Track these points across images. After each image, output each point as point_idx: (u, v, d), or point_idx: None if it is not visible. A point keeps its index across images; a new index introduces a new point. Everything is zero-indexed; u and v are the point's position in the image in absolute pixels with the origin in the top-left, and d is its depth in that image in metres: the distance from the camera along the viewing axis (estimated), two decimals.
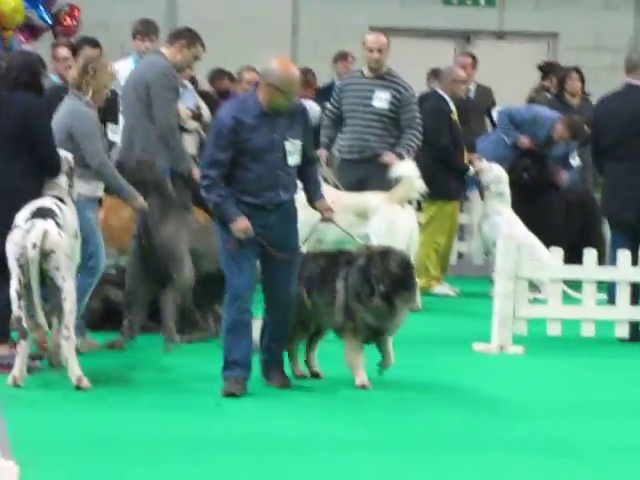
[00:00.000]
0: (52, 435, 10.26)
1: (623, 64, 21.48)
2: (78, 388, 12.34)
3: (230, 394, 9.66)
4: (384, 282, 9.11)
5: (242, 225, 9.17)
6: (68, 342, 12.51)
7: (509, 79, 24.03)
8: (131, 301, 15.91)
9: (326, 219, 9.93)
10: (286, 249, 9.53)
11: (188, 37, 17.62)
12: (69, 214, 13.22)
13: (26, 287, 12.70)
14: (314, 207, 10.21)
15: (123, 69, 18.37)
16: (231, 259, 9.64)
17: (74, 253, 13.30)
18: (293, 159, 9.36)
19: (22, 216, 12.86)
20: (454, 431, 11.05)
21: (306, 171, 9.69)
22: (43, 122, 13.67)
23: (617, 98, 18.56)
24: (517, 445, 10.33)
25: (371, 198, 18.58)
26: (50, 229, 12.49)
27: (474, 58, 24.79)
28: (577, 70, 23.54)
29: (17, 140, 13.61)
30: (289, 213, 9.62)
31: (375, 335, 9.62)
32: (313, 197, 9.63)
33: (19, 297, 12.54)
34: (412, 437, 10.61)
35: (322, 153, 20.20)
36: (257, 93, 9.63)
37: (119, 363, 14.59)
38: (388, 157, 18.98)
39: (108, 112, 16.15)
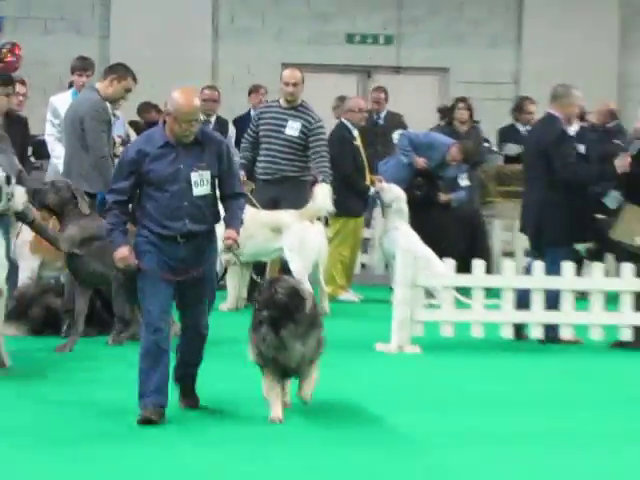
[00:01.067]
0: None
1: (507, 95, 23.06)
2: None
3: (147, 421, 9.31)
4: (267, 310, 8.85)
5: (121, 254, 9.10)
6: None
7: (406, 109, 24.46)
8: (69, 308, 16.55)
9: (225, 248, 9.52)
10: (198, 281, 9.20)
11: (119, 71, 18.29)
12: None
13: None
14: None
15: (62, 102, 19.29)
16: (145, 286, 9.34)
17: None
18: (200, 190, 9.02)
19: None
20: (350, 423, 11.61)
21: (226, 203, 9.42)
22: None
23: (536, 126, 19.93)
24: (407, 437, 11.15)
25: (284, 215, 19.57)
26: None
27: (385, 92, 25.08)
28: (463, 100, 24.28)
29: None
30: (201, 245, 9.32)
31: (283, 371, 9.31)
32: (226, 226, 9.24)
33: None
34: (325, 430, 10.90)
35: (240, 174, 18.26)
36: (164, 123, 9.34)
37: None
38: (322, 183, 19.80)
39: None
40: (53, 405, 12.65)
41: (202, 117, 16.30)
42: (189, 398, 9.86)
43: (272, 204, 20.23)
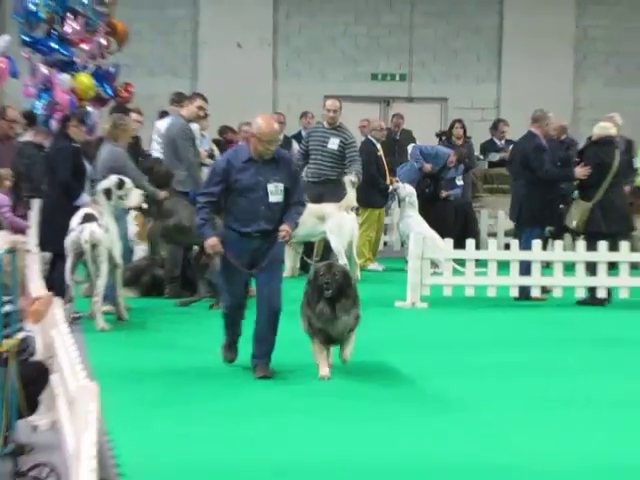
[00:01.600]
0: (111, 364, 11.69)
1: (489, 118, 23.74)
2: (102, 331, 14.07)
3: (230, 360, 10.10)
4: (327, 286, 8.90)
5: (211, 243, 9.40)
6: (96, 304, 14.05)
7: (416, 128, 24.59)
8: (170, 276, 17.48)
9: (280, 237, 9.58)
10: (267, 266, 9.34)
11: (191, 96, 19.59)
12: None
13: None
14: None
15: (163, 126, 19.50)
16: (226, 273, 9.82)
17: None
18: (274, 197, 9.24)
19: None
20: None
21: (290, 207, 9.49)
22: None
23: (520, 141, 19.99)
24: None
25: (327, 207, 19.82)
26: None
27: (402, 117, 25.18)
28: (459, 121, 24.21)
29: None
30: (271, 240, 9.43)
31: (328, 339, 9.43)
32: (283, 221, 9.39)
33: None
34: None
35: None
36: (248, 142, 9.65)
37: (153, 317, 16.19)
38: (352, 177, 19.92)
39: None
40: (157, 346, 13.59)
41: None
42: (265, 369, 9.88)
43: (318, 199, 20.12)
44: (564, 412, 10.42)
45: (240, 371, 11.40)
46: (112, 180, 14.75)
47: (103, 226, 14.25)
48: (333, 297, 8.89)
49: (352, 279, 9.43)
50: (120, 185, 14.67)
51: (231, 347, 9.89)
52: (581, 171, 18.63)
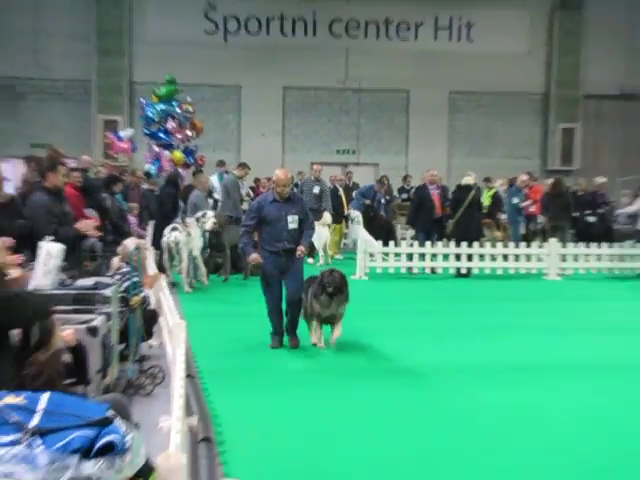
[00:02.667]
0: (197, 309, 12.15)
1: (401, 174, 23.99)
2: (186, 293, 14.31)
3: (275, 347, 9.38)
4: (329, 286, 8.57)
5: (253, 257, 9.17)
6: (184, 278, 14.31)
7: (361, 180, 23.49)
8: (225, 262, 16.55)
9: (297, 255, 9.27)
10: (290, 272, 9.04)
11: (244, 165, 18.50)
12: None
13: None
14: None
15: (215, 180, 19.72)
16: (265, 279, 9.26)
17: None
18: (292, 225, 8.99)
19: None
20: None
21: (302, 232, 9.15)
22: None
23: (418, 188, 19.79)
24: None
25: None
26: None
27: (352, 174, 23.31)
28: (385, 176, 23.08)
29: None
30: (293, 254, 9.05)
31: (325, 320, 9.01)
32: (300, 242, 9.14)
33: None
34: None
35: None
36: (272, 189, 9.55)
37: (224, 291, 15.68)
38: (327, 212, 19.67)
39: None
40: (217, 300, 14.13)
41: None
42: (294, 340, 9.51)
43: None
44: (461, 336, 10.73)
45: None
46: (200, 212, 15.17)
47: (183, 233, 14.53)
48: (333, 293, 8.63)
49: (347, 281, 9.05)
50: (203, 215, 15.04)
51: (276, 337, 9.39)
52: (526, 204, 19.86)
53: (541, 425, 6.83)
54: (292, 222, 9.11)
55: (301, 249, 9.19)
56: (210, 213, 15.25)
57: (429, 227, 18.77)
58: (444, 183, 20.76)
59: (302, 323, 9.88)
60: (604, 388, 8.08)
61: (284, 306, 9.54)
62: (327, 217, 19.40)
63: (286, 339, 9.73)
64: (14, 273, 4.00)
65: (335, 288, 8.66)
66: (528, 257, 17.80)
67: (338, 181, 21.76)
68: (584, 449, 6.26)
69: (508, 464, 5.79)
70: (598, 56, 28.08)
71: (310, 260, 18.89)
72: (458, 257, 17.52)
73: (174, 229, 14.54)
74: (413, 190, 21.41)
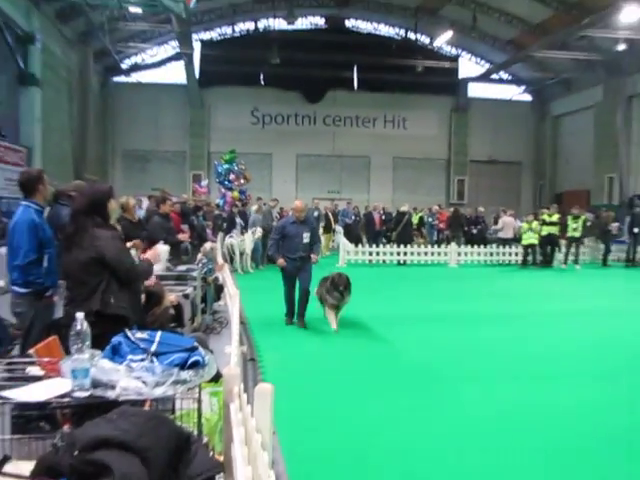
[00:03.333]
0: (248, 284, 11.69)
1: (363, 208, 22.15)
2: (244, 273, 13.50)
3: (288, 324, 8.15)
4: (340, 286, 7.48)
5: (280, 262, 7.68)
6: (240, 266, 13.36)
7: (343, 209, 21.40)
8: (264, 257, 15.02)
9: (313, 261, 8.11)
10: (303, 272, 7.70)
11: (274, 200, 18.26)
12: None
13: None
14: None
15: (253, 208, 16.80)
16: (285, 277, 7.97)
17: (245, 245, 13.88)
18: (306, 240, 7.68)
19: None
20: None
21: (313, 244, 7.75)
22: None
23: (367, 213, 18.93)
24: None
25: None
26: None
27: (337, 205, 21.86)
28: (356, 206, 21.31)
29: None
30: (305, 260, 7.71)
31: (336, 308, 7.66)
32: (313, 252, 7.88)
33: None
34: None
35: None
36: (292, 214, 8.27)
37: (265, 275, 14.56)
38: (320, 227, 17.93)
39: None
40: (262, 278, 13.18)
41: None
42: (302, 322, 8.08)
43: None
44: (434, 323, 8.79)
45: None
46: (254, 227, 14.53)
47: (237, 240, 13.97)
48: (342, 290, 7.55)
49: (350, 281, 7.80)
50: (254, 231, 14.26)
51: (289, 315, 8.18)
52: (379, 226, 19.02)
53: (469, 354, 6.63)
54: (306, 237, 7.89)
55: (315, 257, 7.97)
56: (259, 228, 14.54)
57: (374, 235, 18.80)
58: (389, 210, 20.13)
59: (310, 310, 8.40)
60: (499, 329, 8.06)
61: (296, 295, 8.47)
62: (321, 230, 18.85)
63: (296, 320, 8.38)
64: (147, 255, 4.16)
65: (344, 287, 7.62)
66: (439, 253, 17.36)
67: (329, 208, 20.85)
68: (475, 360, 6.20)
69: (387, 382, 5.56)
70: (476, 138, 28.12)
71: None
72: (399, 253, 16.82)
73: (230, 237, 14.18)
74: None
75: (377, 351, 6.68)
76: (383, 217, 19.73)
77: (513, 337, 7.44)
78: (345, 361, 6.26)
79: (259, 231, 14.42)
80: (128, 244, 4.13)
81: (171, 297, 5.24)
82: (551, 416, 4.55)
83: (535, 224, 16.23)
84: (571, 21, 19.35)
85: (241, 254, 14.20)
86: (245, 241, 14.17)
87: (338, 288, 7.67)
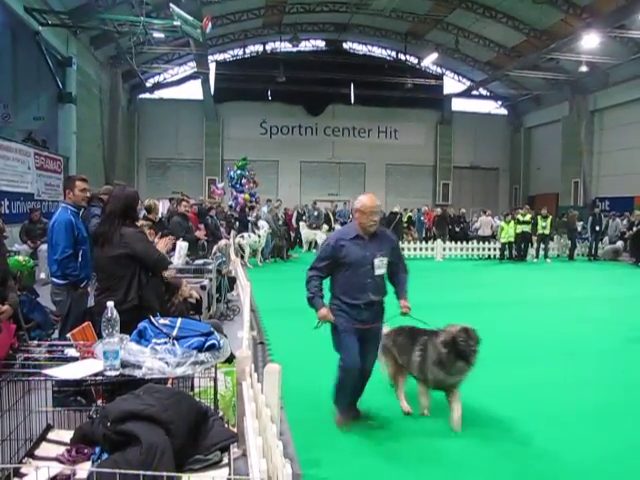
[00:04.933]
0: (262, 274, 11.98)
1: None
2: (253, 267, 13.12)
3: (343, 424, 4.03)
4: (469, 356, 3.75)
5: (322, 314, 3.98)
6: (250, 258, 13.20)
7: (341, 209, 22.28)
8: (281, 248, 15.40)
9: (403, 313, 4.12)
10: (370, 342, 4.04)
11: (279, 201, 17.65)
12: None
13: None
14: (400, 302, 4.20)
15: (265, 208, 16.36)
16: (339, 339, 4.05)
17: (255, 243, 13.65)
18: (379, 270, 3.98)
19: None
20: None
21: (397, 278, 4.19)
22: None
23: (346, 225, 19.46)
24: None
25: (317, 231, 18.07)
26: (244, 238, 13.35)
27: (337, 206, 22.80)
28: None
29: None
30: (377, 309, 4.11)
31: (442, 388, 4.05)
32: (398, 295, 4.21)
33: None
34: None
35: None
36: (355, 222, 4.21)
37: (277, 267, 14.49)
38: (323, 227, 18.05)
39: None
40: (274, 271, 13.02)
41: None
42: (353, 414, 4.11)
43: (314, 228, 18.37)
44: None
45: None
46: (264, 225, 14.20)
47: (246, 237, 13.65)
48: (469, 360, 3.82)
49: (478, 342, 3.89)
50: (264, 228, 13.98)
51: (351, 407, 4.14)
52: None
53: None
54: (380, 266, 4.13)
55: (407, 306, 4.12)
56: (266, 225, 14.25)
57: None
58: (383, 211, 18.79)
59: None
60: (482, 314, 7.76)
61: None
62: (325, 227, 18.61)
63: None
64: (159, 246, 4.08)
65: (472, 355, 3.81)
66: (427, 248, 17.30)
67: (329, 209, 20.97)
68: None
69: None
70: (459, 146, 27.97)
71: (315, 250, 18.40)
72: None
73: (241, 237, 13.95)
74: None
75: None
76: None
77: (494, 321, 7.29)
78: None
79: (266, 228, 14.18)
80: (156, 241, 4.19)
81: (193, 293, 5.15)
82: (527, 390, 4.59)
83: (512, 224, 16.20)
84: (541, 45, 19.89)
85: (254, 251, 14.16)
86: (259, 240, 14.06)
87: (462, 355, 3.77)
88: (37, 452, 2.02)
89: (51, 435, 2.15)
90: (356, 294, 3.77)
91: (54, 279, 4.31)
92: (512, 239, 16.22)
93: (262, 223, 14.68)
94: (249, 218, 15.87)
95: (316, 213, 19.51)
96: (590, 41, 16.97)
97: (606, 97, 21.65)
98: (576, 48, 18.17)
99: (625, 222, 17.28)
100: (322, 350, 5.66)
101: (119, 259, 3.46)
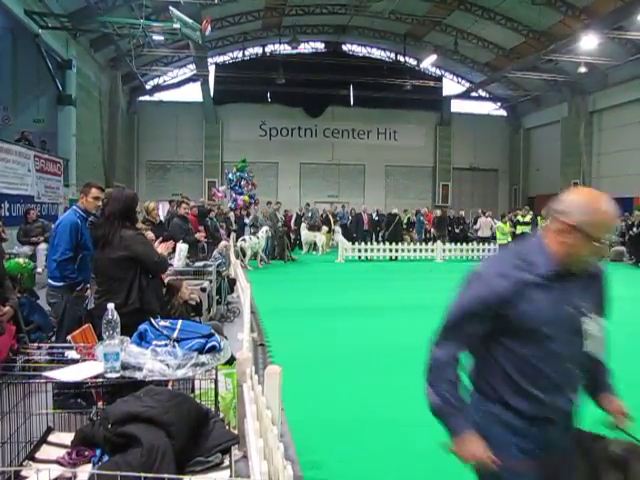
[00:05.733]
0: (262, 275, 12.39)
1: (362, 209, 21.84)
2: (254, 269, 13.34)
3: None
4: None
5: (472, 451, 1.20)
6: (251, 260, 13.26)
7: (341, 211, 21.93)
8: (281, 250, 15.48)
9: (615, 426, 1.43)
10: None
11: (278, 203, 18.09)
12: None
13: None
14: (601, 405, 1.47)
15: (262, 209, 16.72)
16: None
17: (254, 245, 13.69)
18: (593, 344, 1.20)
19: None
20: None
21: (599, 370, 1.36)
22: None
23: (355, 214, 19.74)
24: None
25: (317, 234, 18.10)
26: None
27: (336, 207, 22.46)
28: (353, 209, 20.89)
29: None
30: (572, 426, 1.32)
31: None
32: (595, 387, 1.42)
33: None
34: None
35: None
36: (545, 240, 1.31)
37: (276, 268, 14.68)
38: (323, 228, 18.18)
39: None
40: (275, 272, 13.08)
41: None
42: None
43: (315, 230, 18.39)
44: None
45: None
46: (264, 229, 14.21)
47: (247, 240, 13.61)
48: None
49: None
50: (263, 231, 13.99)
51: None
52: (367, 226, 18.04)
53: None
54: (592, 335, 1.39)
55: (621, 410, 1.53)
56: (266, 228, 14.38)
57: (362, 235, 18.70)
58: (382, 212, 20.12)
59: None
60: None
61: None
62: (324, 229, 18.73)
63: None
64: (160, 249, 3.96)
65: None
66: (427, 250, 17.27)
67: (329, 211, 20.87)
68: None
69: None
70: (458, 148, 27.91)
71: (314, 252, 18.38)
72: (391, 250, 16.77)
73: (243, 240, 13.93)
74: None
75: (374, 336, 6.63)
76: (376, 218, 19.62)
77: None
78: (345, 344, 6.20)
79: (265, 229, 14.36)
80: (156, 244, 4.13)
81: (194, 296, 5.16)
82: None
83: (507, 226, 16.23)
84: (539, 47, 19.91)
85: (255, 253, 14.20)
86: (259, 242, 14.09)
87: None
88: (38, 455, 2.03)
89: (52, 437, 2.15)
90: (543, 393, 1.52)
91: (51, 281, 4.28)
92: (509, 239, 16.20)
93: (262, 223, 14.96)
94: (246, 220, 15.93)
95: (310, 214, 19.58)
96: (589, 42, 17.04)
97: (605, 98, 21.71)
98: (575, 49, 18.22)
99: (623, 224, 17.29)
100: (322, 352, 5.71)
101: (120, 261, 3.46)
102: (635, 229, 15.92)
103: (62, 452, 2.01)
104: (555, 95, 23.66)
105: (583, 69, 19.91)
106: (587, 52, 18.24)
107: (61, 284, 4.21)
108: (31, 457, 2.00)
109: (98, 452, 1.88)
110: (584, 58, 19.06)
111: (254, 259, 14.21)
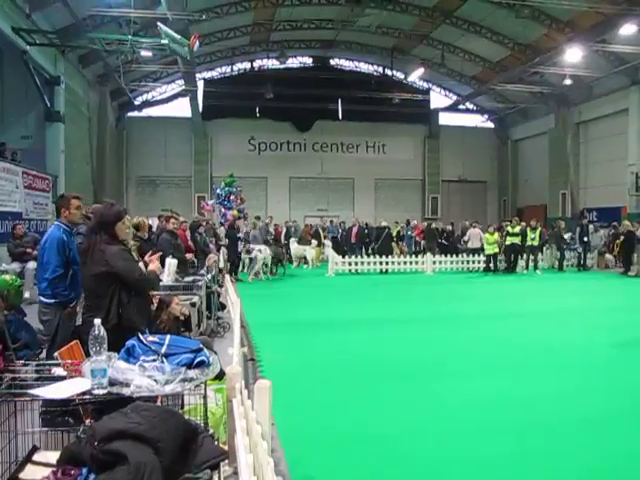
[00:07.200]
0: (254, 289, 12.14)
1: (351, 221, 21.53)
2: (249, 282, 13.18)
3: None
4: None
5: None
6: (250, 274, 13.35)
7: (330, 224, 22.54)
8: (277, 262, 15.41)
9: None
10: None
11: (270, 217, 18.22)
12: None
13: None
14: None
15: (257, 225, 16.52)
16: None
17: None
18: None
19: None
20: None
21: None
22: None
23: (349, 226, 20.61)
24: None
25: (307, 248, 18.04)
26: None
27: (325, 222, 22.27)
28: (344, 222, 21.83)
29: None
30: None
31: None
32: None
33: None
34: None
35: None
36: None
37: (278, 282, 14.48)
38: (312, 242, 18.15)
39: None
40: (269, 288, 12.93)
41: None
42: None
43: (304, 243, 18.36)
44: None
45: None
46: (261, 246, 14.21)
47: (257, 251, 13.91)
48: None
49: None
50: (263, 249, 14.05)
51: None
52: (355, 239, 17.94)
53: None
54: None
55: None
56: (264, 247, 14.43)
57: (352, 248, 18.84)
58: (372, 225, 20.13)
59: None
60: (476, 328, 7.88)
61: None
62: (314, 243, 18.67)
63: None
64: (151, 267, 3.96)
65: None
66: (416, 262, 17.30)
67: (320, 225, 20.95)
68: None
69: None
70: (447, 160, 28.12)
71: (305, 266, 18.41)
72: (381, 263, 16.75)
73: (259, 251, 13.95)
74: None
75: (365, 349, 6.60)
76: (366, 231, 19.54)
77: (488, 336, 7.32)
78: (336, 358, 6.18)
79: (266, 250, 14.52)
80: (146, 258, 4.05)
81: (184, 310, 5.14)
82: (523, 402, 4.50)
83: (496, 236, 16.31)
84: (525, 59, 20.18)
85: (265, 264, 14.45)
86: (266, 257, 14.38)
87: None
88: (22, 475, 1.98)
89: (37, 457, 2.11)
90: None
91: (42, 298, 4.25)
92: (497, 250, 16.30)
93: (254, 237, 15.03)
94: (239, 235, 15.89)
95: (293, 229, 19.77)
96: (573, 55, 17.38)
97: (591, 109, 22.02)
98: (560, 62, 18.59)
99: (608, 233, 17.54)
100: (313, 365, 5.71)
101: (100, 277, 3.40)
102: (622, 237, 16.05)
103: (47, 471, 1.97)
104: (542, 107, 24.03)
105: (568, 81, 20.25)
106: (572, 64, 18.64)
107: (54, 301, 4.19)
108: (14, 478, 1.97)
109: (84, 471, 1.85)
110: (569, 70, 19.40)
111: (245, 272, 14.30)
